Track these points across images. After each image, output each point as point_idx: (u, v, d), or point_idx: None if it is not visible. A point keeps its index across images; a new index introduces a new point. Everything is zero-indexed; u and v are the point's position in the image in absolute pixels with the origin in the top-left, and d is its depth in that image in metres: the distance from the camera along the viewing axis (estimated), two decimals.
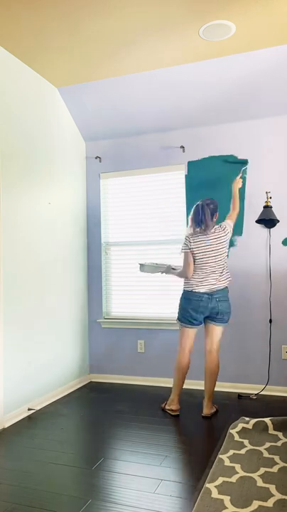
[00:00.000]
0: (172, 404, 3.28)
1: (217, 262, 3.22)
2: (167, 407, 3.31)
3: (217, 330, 3.29)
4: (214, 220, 3.28)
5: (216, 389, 3.88)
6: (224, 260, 3.25)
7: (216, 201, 3.32)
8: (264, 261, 3.81)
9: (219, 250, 3.22)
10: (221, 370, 3.89)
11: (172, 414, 3.25)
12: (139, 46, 3.23)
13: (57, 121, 3.94)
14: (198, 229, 3.25)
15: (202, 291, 3.20)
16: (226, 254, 3.28)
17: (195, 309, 3.20)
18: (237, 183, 3.53)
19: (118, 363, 4.23)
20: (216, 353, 3.29)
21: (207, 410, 3.22)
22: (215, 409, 3.30)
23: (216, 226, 3.29)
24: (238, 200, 3.49)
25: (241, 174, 3.70)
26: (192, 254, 3.25)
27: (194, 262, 3.26)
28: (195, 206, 3.31)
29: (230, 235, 3.30)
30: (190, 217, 3.34)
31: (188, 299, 3.23)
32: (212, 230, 3.24)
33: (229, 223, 3.34)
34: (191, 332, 3.29)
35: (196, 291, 3.21)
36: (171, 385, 3.91)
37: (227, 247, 3.28)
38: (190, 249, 3.24)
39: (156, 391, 3.87)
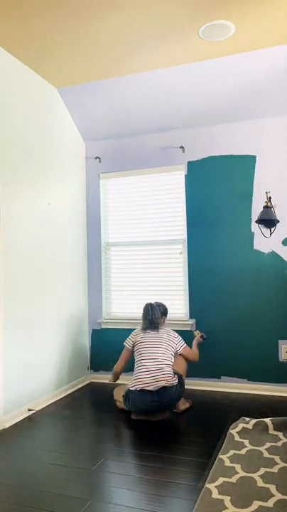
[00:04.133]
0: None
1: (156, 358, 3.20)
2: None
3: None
4: (164, 321, 3.48)
5: (215, 389, 3.89)
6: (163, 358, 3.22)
7: (166, 306, 3.53)
8: (264, 261, 3.81)
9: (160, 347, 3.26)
10: (221, 368, 3.90)
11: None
12: (139, 47, 3.23)
13: (56, 122, 3.94)
14: (147, 326, 3.39)
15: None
16: (170, 355, 3.28)
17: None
18: (196, 340, 3.65)
19: None
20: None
21: (179, 406, 3.26)
22: (189, 405, 3.36)
23: (169, 330, 3.43)
24: (196, 351, 3.55)
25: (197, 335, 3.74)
26: (133, 348, 3.38)
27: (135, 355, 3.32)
28: (145, 305, 3.46)
29: (177, 345, 3.36)
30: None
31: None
32: (162, 330, 3.38)
33: (182, 345, 3.41)
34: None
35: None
36: None
37: (172, 351, 3.32)
38: (132, 344, 3.40)
39: None
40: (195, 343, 3.62)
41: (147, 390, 3.04)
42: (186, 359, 3.45)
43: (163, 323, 3.47)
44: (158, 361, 3.17)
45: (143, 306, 3.51)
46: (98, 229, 4.38)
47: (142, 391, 3.05)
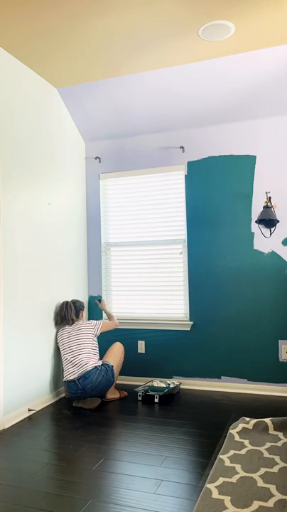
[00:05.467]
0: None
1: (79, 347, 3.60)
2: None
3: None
4: (82, 314, 3.85)
5: (215, 389, 3.89)
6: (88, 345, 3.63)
7: (82, 301, 3.96)
8: (264, 261, 3.81)
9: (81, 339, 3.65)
10: (221, 368, 3.90)
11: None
12: (139, 46, 3.23)
13: (56, 122, 3.94)
14: (64, 323, 3.75)
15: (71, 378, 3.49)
16: (92, 342, 3.67)
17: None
18: (103, 306, 4.13)
19: None
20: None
21: (108, 395, 3.61)
22: (119, 396, 3.67)
23: (84, 322, 3.78)
24: (111, 317, 3.99)
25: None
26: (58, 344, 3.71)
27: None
28: (61, 303, 3.82)
29: (94, 328, 3.74)
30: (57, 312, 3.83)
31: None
32: (78, 325, 3.73)
33: (99, 323, 3.80)
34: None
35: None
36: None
37: (91, 337, 3.69)
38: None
39: None
40: (105, 310, 4.11)
41: (72, 380, 3.43)
42: (110, 329, 3.90)
43: (81, 317, 3.84)
44: (75, 352, 3.54)
45: (59, 304, 3.87)
46: (98, 229, 4.38)
47: (69, 382, 3.45)
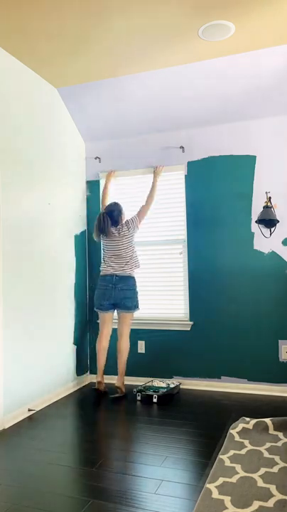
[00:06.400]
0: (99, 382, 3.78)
1: (120, 251, 3.80)
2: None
3: (124, 316, 3.83)
4: (121, 222, 3.89)
5: (215, 389, 3.89)
6: (129, 250, 3.82)
7: (119, 206, 3.90)
8: (264, 261, 3.81)
9: (123, 244, 3.81)
10: (221, 368, 3.90)
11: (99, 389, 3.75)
12: (138, 47, 3.22)
13: (56, 122, 3.94)
14: (102, 235, 3.86)
15: (109, 272, 3.78)
16: (131, 246, 3.85)
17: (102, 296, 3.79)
18: (158, 174, 3.96)
19: None
20: (126, 337, 3.85)
21: (118, 383, 3.77)
22: (123, 390, 3.76)
23: (121, 225, 3.87)
24: (154, 194, 3.99)
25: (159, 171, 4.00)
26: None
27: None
28: (98, 216, 3.89)
29: (132, 230, 3.87)
30: (95, 227, 3.90)
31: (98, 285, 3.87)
32: (115, 233, 3.84)
33: (134, 219, 3.89)
34: (106, 316, 3.85)
35: (104, 274, 3.82)
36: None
37: (132, 240, 3.85)
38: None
39: None
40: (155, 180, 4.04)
41: (109, 274, 3.77)
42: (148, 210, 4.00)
43: (121, 222, 3.90)
44: (119, 259, 3.79)
45: (97, 216, 3.94)
46: None
47: (104, 275, 3.81)
